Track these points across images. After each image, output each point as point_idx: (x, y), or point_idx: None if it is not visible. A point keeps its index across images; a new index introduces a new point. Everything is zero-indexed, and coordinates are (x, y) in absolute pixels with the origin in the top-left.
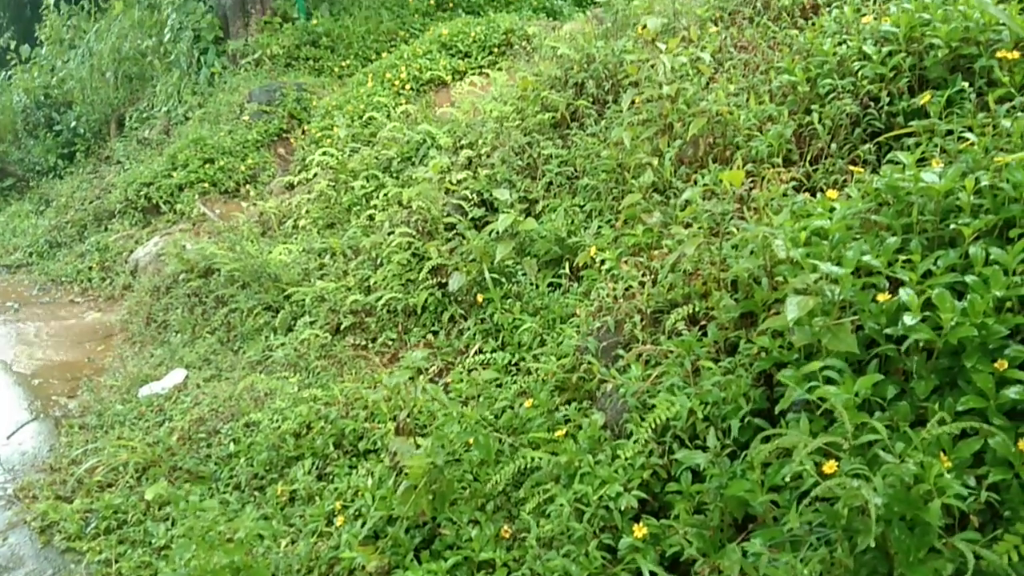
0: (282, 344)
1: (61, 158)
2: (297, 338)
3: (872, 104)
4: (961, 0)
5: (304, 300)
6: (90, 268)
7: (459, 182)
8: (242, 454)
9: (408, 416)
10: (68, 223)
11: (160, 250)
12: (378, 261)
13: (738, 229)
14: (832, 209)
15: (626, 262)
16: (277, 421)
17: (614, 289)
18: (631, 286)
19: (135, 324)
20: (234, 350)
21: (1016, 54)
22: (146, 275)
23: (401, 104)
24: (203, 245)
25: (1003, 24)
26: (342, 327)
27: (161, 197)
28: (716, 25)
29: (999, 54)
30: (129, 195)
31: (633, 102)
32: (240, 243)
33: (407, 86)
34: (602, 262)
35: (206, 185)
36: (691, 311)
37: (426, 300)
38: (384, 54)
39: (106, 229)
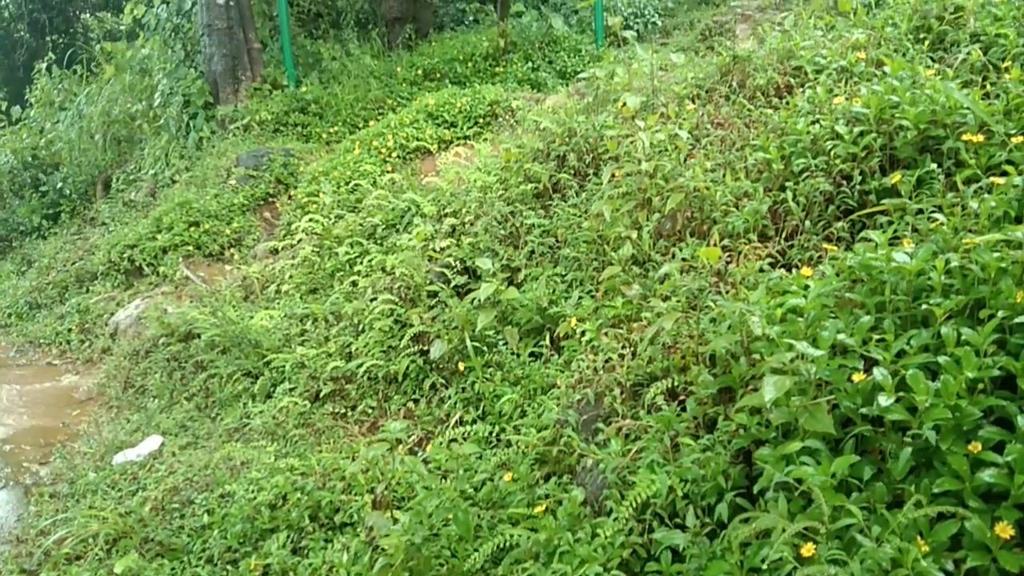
0: (260, 412)
1: (46, 219)
2: (276, 405)
3: (845, 182)
4: (928, 84)
5: (284, 367)
6: (69, 330)
7: (442, 250)
8: (216, 526)
9: (386, 489)
10: (49, 284)
11: (141, 313)
12: (360, 327)
13: (715, 304)
14: (807, 287)
15: (606, 334)
16: (252, 492)
17: (594, 361)
18: (611, 358)
19: (112, 388)
20: (212, 417)
21: (981, 137)
22: (126, 338)
23: (387, 172)
24: (184, 309)
25: (968, 108)
26: (322, 394)
27: (145, 259)
28: (693, 102)
29: (965, 137)
30: (112, 257)
31: (613, 175)
32: (222, 308)
33: (393, 154)
34: (582, 333)
35: (190, 248)
36: (670, 385)
37: (407, 367)
38: (372, 122)
39: (88, 291)
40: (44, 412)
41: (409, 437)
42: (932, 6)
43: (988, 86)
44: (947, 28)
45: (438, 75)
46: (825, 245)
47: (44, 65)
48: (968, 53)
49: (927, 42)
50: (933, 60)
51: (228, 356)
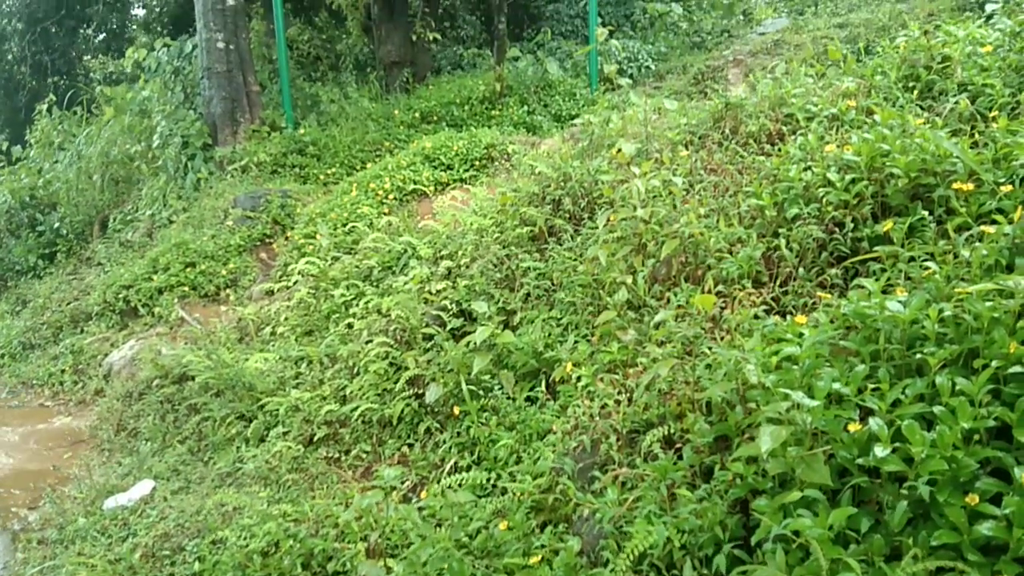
0: (253, 456)
1: (42, 258)
2: (269, 450)
3: (837, 229)
4: (918, 133)
5: (278, 410)
6: (63, 371)
7: (438, 292)
8: (207, 573)
9: (380, 537)
10: (44, 324)
11: (135, 354)
12: (355, 370)
13: (711, 351)
14: (801, 335)
15: (602, 379)
16: (244, 539)
17: (590, 407)
18: (607, 404)
19: (105, 431)
20: (204, 461)
21: (970, 186)
22: (119, 380)
23: (384, 214)
24: (179, 351)
25: (957, 157)
26: (315, 438)
27: (140, 300)
28: (687, 148)
29: (955, 185)
30: (108, 297)
31: (608, 220)
32: (216, 350)
33: (390, 196)
34: (578, 378)
35: (186, 289)
36: (666, 432)
37: (402, 411)
38: (369, 164)
39: (82, 331)
40: (35, 455)
41: (403, 483)
42: (920, 56)
43: (976, 135)
44: (935, 78)
45: (435, 118)
46: (819, 293)
47: (45, 106)
48: (956, 102)
49: (916, 91)
50: (922, 108)
51: (222, 399)
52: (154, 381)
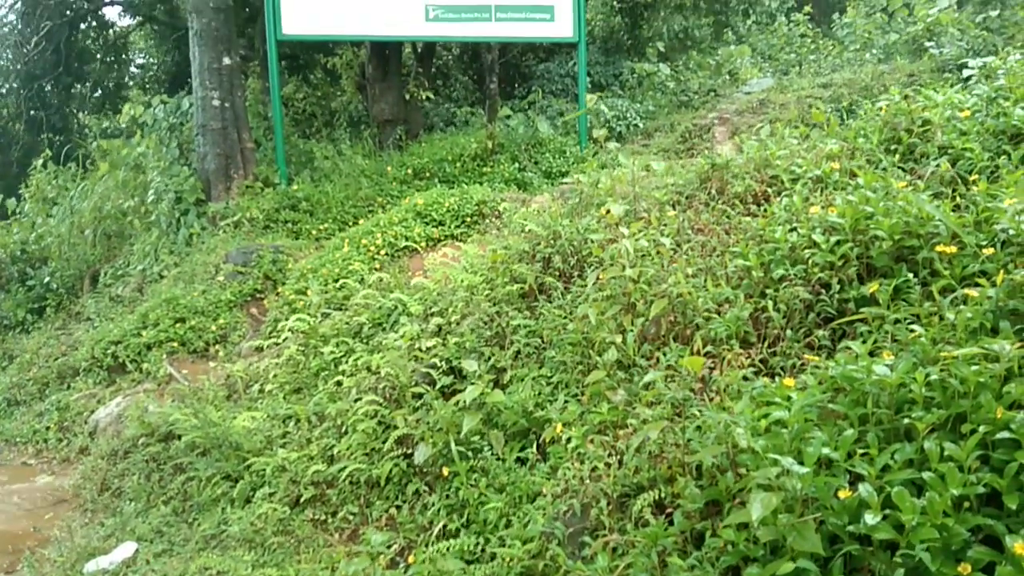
0: (239, 518)
1: (31, 313)
2: (255, 511)
3: (824, 290)
4: (900, 196)
5: (265, 470)
6: (47, 428)
7: (428, 349)
8: None
9: None
10: (30, 380)
11: (122, 411)
12: (343, 429)
13: (700, 413)
14: (789, 398)
15: (592, 440)
16: None
17: (580, 470)
18: (597, 467)
19: (88, 490)
20: (189, 522)
21: (953, 248)
22: (105, 437)
23: (375, 270)
24: (166, 409)
25: (939, 220)
26: (302, 499)
27: (128, 356)
28: (674, 208)
29: (938, 248)
30: (96, 353)
31: (598, 278)
32: (204, 409)
33: (382, 252)
34: (568, 439)
35: (175, 344)
36: (657, 496)
37: (391, 471)
38: (362, 220)
39: (69, 387)
40: (15, 515)
41: (390, 547)
42: (901, 119)
43: (958, 198)
44: (916, 141)
45: (427, 174)
46: (807, 355)
47: (40, 162)
48: (937, 165)
49: (898, 154)
50: (904, 171)
51: (208, 458)
52: (140, 439)
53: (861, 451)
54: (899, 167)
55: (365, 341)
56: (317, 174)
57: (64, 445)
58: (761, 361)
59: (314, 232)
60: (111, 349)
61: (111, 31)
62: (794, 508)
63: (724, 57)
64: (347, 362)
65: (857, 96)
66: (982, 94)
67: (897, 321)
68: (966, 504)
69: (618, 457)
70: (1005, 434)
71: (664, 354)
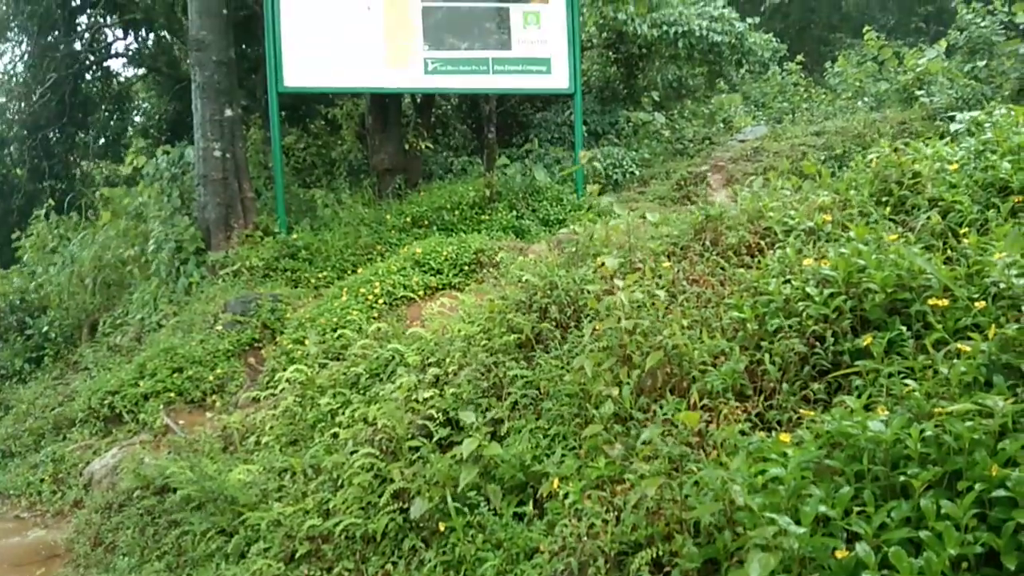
0: (233, 574)
1: (28, 362)
2: (249, 567)
3: (818, 343)
4: (892, 249)
5: (260, 524)
6: (41, 481)
7: (425, 400)
8: None
9: None
10: (26, 431)
11: (118, 463)
12: (339, 482)
13: (697, 469)
14: (785, 454)
15: (589, 496)
16: None
17: (577, 527)
18: (594, 524)
19: (81, 544)
20: None
21: (946, 301)
22: (99, 490)
23: (373, 319)
24: (162, 461)
25: (931, 274)
26: (297, 555)
27: (125, 406)
28: (669, 260)
29: (930, 301)
30: (92, 403)
31: (594, 330)
32: (199, 462)
33: (380, 301)
34: (565, 495)
35: (172, 395)
36: (655, 554)
37: (386, 526)
38: (361, 268)
39: (64, 438)
40: (5, 572)
41: None
42: (892, 172)
43: (949, 251)
44: (907, 193)
45: (426, 222)
46: (803, 409)
47: (42, 211)
48: (928, 218)
49: (889, 206)
50: (895, 223)
51: (203, 512)
52: (135, 492)
53: (858, 508)
54: (890, 219)
55: (362, 392)
56: (317, 223)
57: (58, 498)
58: (757, 415)
59: (313, 280)
60: (108, 399)
61: (115, 81)
62: (792, 568)
63: (717, 105)
64: (344, 413)
65: (850, 144)
66: (970, 147)
67: (891, 375)
68: (964, 564)
69: (616, 513)
70: (1001, 492)
71: (661, 407)
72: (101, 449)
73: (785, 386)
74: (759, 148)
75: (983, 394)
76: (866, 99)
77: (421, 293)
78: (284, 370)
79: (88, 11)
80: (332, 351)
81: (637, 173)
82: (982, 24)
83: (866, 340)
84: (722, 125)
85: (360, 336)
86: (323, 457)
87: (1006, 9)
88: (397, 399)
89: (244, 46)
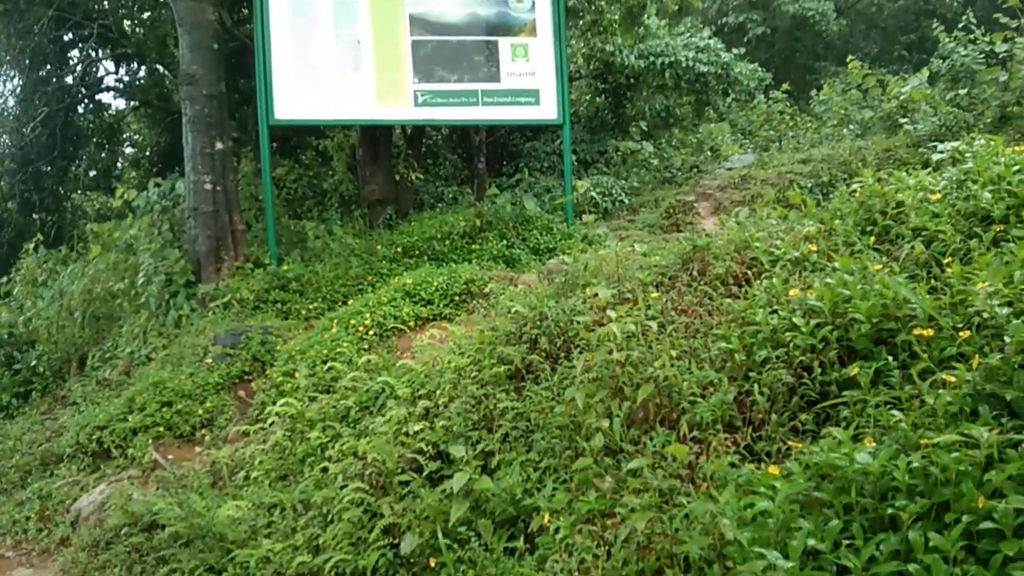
0: None
1: (16, 397)
2: None
3: (806, 374)
4: (877, 279)
5: (249, 562)
6: (27, 518)
7: (415, 433)
8: None
9: None
10: (12, 468)
11: (105, 499)
12: (329, 518)
13: (687, 502)
14: (774, 487)
15: (580, 531)
16: None
17: (568, 562)
18: (585, 559)
19: None
20: None
21: (931, 331)
22: (87, 527)
23: (364, 350)
24: (150, 498)
25: (915, 304)
26: None
27: (113, 441)
28: (657, 290)
29: (916, 331)
30: (81, 438)
31: (585, 361)
32: (188, 498)
33: (371, 332)
34: (556, 530)
35: (161, 429)
36: None
37: (377, 562)
38: (351, 299)
39: (52, 474)
40: None
41: None
42: (876, 201)
43: (933, 280)
44: (891, 223)
45: (417, 252)
46: (791, 441)
47: (32, 245)
48: (912, 248)
49: (873, 235)
50: (879, 252)
51: (191, 549)
52: (123, 529)
53: (847, 541)
54: (875, 248)
55: (352, 425)
56: (308, 254)
57: (44, 535)
58: (746, 447)
59: (304, 312)
60: (96, 434)
61: (106, 114)
62: None
63: (705, 134)
64: (334, 447)
65: (836, 171)
66: (951, 177)
67: (878, 405)
68: None
69: (606, 548)
70: (989, 524)
71: (651, 438)
72: (89, 485)
73: (774, 417)
74: (746, 176)
75: (969, 424)
76: (851, 126)
77: (412, 324)
78: (274, 403)
79: (80, 45)
80: (322, 384)
81: (626, 201)
82: (963, 53)
83: (853, 370)
84: (710, 153)
85: (350, 368)
86: (313, 492)
87: (986, 38)
88: (387, 432)
89: (235, 79)
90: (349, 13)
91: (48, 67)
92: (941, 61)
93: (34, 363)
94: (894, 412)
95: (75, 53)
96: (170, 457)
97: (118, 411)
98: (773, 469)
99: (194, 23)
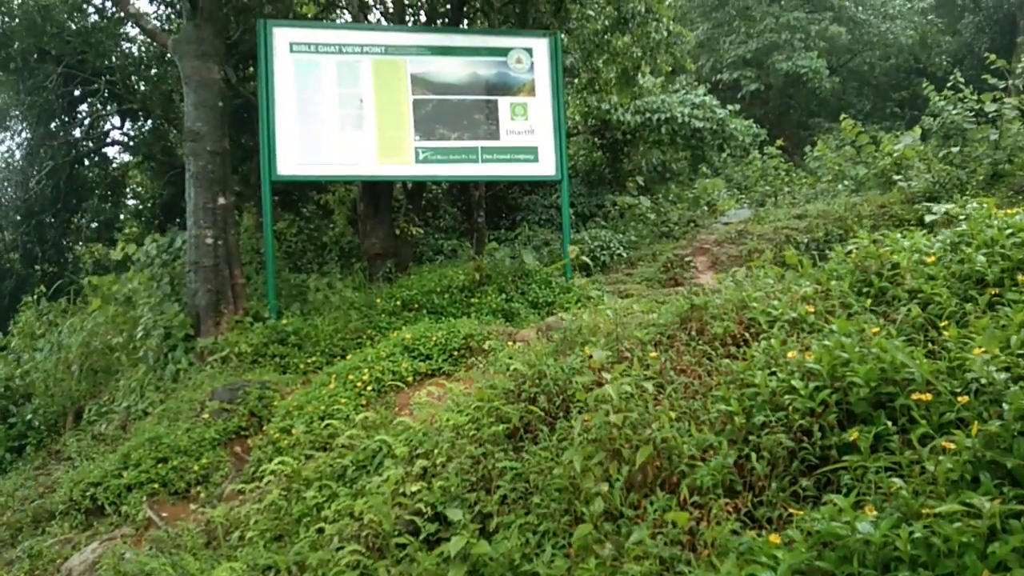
0: None
1: (10, 451)
2: None
3: (805, 438)
4: (874, 342)
5: None
6: None
7: (413, 494)
8: None
9: None
10: (3, 525)
11: (97, 558)
12: None
13: (688, 571)
14: (775, 557)
15: None
16: None
17: None
18: None
19: None
20: None
21: (929, 395)
22: None
23: (361, 406)
24: (142, 558)
25: (912, 369)
26: None
27: (107, 498)
28: (655, 348)
29: (914, 396)
30: (74, 495)
31: (584, 422)
32: (182, 559)
33: (369, 387)
34: None
35: (156, 486)
36: None
37: None
38: (350, 353)
39: (43, 532)
40: None
41: None
42: (871, 263)
43: (930, 344)
44: (887, 284)
45: (416, 306)
46: (792, 508)
47: (33, 298)
48: (908, 310)
49: (869, 297)
50: (876, 313)
51: None
52: None
53: None
54: (871, 310)
55: (349, 484)
56: (307, 307)
57: None
58: (747, 513)
59: (302, 366)
60: (90, 491)
61: (111, 167)
62: None
63: (701, 189)
64: (330, 507)
65: (831, 227)
66: (945, 239)
67: (879, 470)
68: None
69: None
70: None
71: (651, 503)
72: (81, 543)
73: (774, 483)
74: (743, 231)
75: (970, 493)
76: (846, 182)
77: (410, 379)
78: (270, 460)
79: (88, 100)
80: (319, 441)
81: (624, 255)
82: (954, 111)
83: (852, 435)
84: (706, 208)
85: (347, 425)
86: (308, 554)
87: (975, 97)
88: (384, 493)
89: (239, 134)
90: (352, 72)
91: (56, 121)
92: (932, 119)
93: (30, 417)
94: (894, 479)
95: (83, 108)
96: (164, 514)
97: (113, 467)
98: (774, 537)
99: (200, 81)
